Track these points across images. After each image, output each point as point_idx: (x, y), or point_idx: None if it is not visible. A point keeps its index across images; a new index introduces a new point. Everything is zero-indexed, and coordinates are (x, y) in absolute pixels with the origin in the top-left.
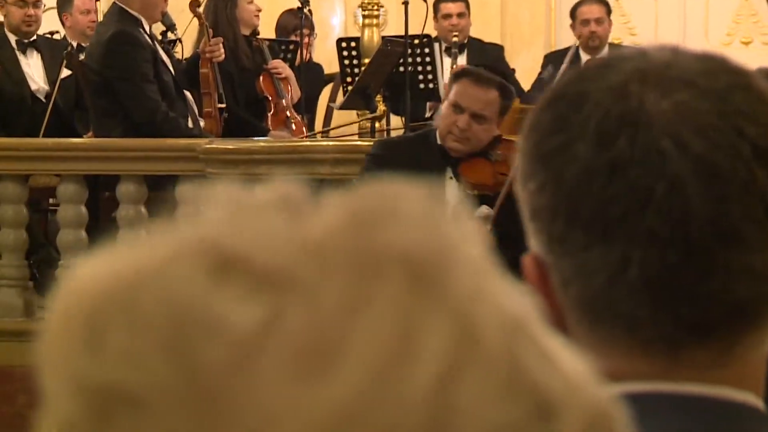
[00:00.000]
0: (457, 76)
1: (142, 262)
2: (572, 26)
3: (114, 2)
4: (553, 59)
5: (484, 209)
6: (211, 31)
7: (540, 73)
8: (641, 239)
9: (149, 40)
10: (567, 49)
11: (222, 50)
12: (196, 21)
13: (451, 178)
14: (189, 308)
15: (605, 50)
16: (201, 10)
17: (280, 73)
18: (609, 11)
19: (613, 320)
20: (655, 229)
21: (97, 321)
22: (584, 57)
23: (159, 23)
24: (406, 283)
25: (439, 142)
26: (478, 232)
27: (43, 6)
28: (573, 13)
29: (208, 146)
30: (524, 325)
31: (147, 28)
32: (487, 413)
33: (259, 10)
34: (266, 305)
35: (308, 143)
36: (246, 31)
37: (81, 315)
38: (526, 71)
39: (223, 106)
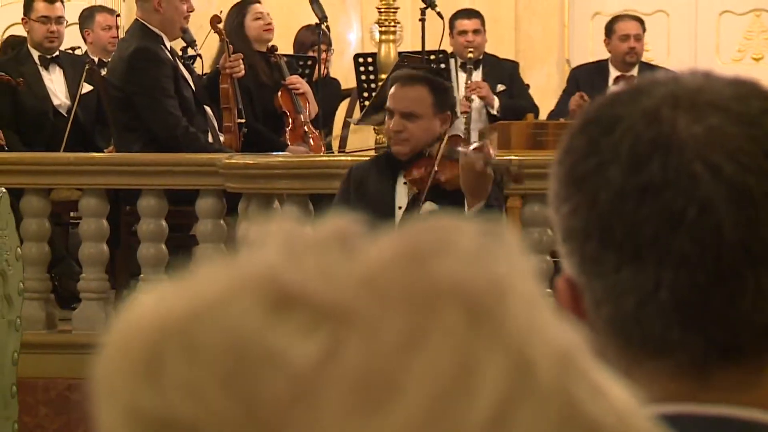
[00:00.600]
0: (390, 84)
1: (202, 295)
2: (606, 41)
3: (136, 18)
4: (580, 73)
5: (428, 206)
6: (231, 46)
7: (565, 88)
8: (672, 261)
9: (170, 56)
10: (595, 63)
11: (242, 65)
12: (214, 36)
13: (405, 183)
14: (248, 342)
15: (636, 67)
16: (221, 25)
17: (298, 89)
18: (644, 29)
19: (644, 341)
20: (686, 251)
21: (156, 352)
22: (613, 72)
23: (180, 39)
24: (463, 317)
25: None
26: (531, 266)
27: (65, 22)
28: (609, 28)
29: (227, 161)
30: (576, 358)
31: (168, 44)
32: None
33: (268, 24)
34: (325, 339)
35: (326, 158)
36: (262, 47)
37: (141, 346)
38: (539, 87)
39: (243, 121)
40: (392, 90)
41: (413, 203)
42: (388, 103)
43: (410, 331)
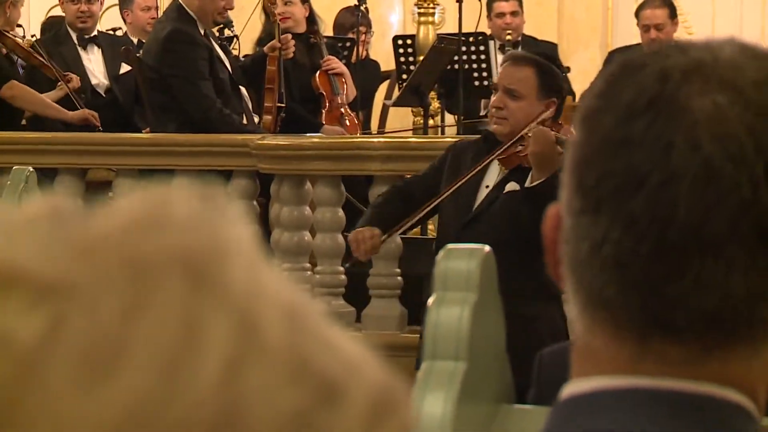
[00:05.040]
0: (502, 64)
1: None
2: (638, 25)
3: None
4: (615, 57)
5: (511, 185)
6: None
7: (600, 71)
8: (622, 221)
9: (205, 38)
10: (632, 47)
11: (293, 46)
12: (255, 18)
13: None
14: None
15: None
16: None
17: (334, 69)
18: (673, 13)
19: (589, 292)
20: (637, 215)
21: None
22: None
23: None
24: (184, 282)
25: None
26: (249, 229)
27: (100, 2)
28: (636, 15)
29: (260, 142)
30: (301, 314)
31: (202, 27)
32: (275, 401)
33: (281, 14)
34: (47, 315)
35: (359, 139)
36: (299, 30)
37: None
38: (581, 71)
39: (282, 105)
40: (501, 70)
41: (502, 183)
42: (495, 81)
43: (132, 300)
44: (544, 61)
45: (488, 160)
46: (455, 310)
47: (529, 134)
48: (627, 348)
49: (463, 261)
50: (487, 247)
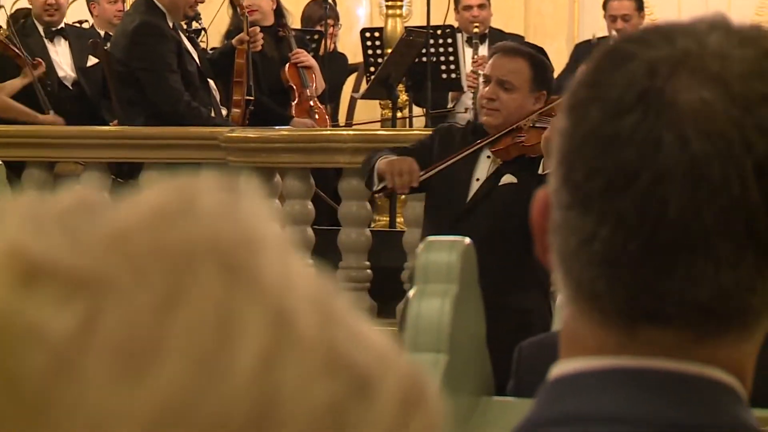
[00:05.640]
0: (491, 54)
1: None
2: (605, 17)
3: None
4: (582, 50)
5: (507, 177)
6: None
7: (567, 64)
8: (611, 220)
9: (174, 31)
10: (599, 39)
11: (261, 39)
12: (223, 12)
13: (488, 156)
14: (2, 319)
15: None
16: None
17: (302, 62)
18: (640, 5)
19: (578, 284)
20: (627, 214)
21: None
22: None
23: None
24: (218, 273)
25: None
26: (275, 218)
27: None
28: (604, 6)
29: (229, 135)
30: (331, 306)
31: (171, 20)
32: (309, 394)
33: (247, 7)
34: (81, 308)
35: (328, 132)
36: (266, 22)
37: None
38: None
39: (251, 98)
40: (492, 60)
41: (495, 176)
42: (486, 71)
43: (166, 292)
44: (535, 53)
45: (482, 144)
46: (436, 303)
47: (528, 124)
48: (614, 334)
49: (443, 253)
50: (467, 240)
